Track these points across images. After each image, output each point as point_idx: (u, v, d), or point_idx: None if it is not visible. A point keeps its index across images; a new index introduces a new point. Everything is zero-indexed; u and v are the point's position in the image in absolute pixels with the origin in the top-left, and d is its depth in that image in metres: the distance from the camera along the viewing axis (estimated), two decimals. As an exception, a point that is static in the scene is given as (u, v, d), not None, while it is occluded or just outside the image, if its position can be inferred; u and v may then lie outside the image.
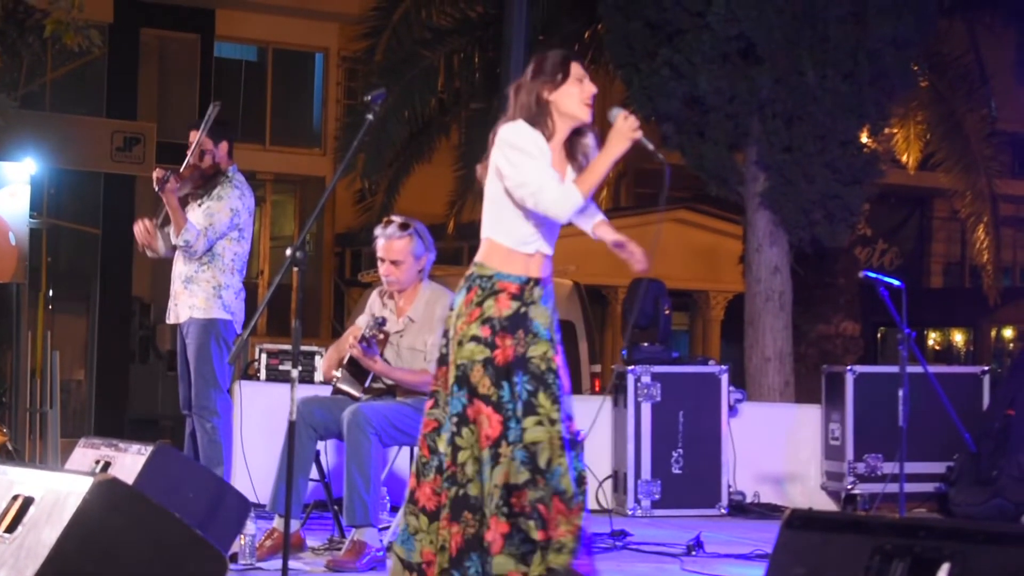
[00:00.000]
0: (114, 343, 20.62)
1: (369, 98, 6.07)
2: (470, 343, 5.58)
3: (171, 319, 8.43)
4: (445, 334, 5.71)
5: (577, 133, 5.81)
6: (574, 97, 5.72)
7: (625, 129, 5.63)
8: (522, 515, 5.47)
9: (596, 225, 5.79)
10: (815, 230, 12.70)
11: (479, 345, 5.57)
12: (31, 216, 11.65)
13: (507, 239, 5.67)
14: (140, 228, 8.36)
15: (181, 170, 8.26)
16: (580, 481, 5.60)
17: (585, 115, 5.75)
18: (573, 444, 5.59)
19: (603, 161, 5.65)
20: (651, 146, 5.77)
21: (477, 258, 5.70)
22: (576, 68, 5.76)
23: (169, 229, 8.29)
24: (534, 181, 5.56)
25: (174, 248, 8.34)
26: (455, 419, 5.57)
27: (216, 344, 8.19)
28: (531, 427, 5.53)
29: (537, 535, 5.47)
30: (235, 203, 8.27)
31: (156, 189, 8.08)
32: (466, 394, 5.56)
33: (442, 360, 5.71)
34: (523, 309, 5.63)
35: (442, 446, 5.62)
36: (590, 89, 5.76)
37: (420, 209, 15.27)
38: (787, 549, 4.15)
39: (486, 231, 5.72)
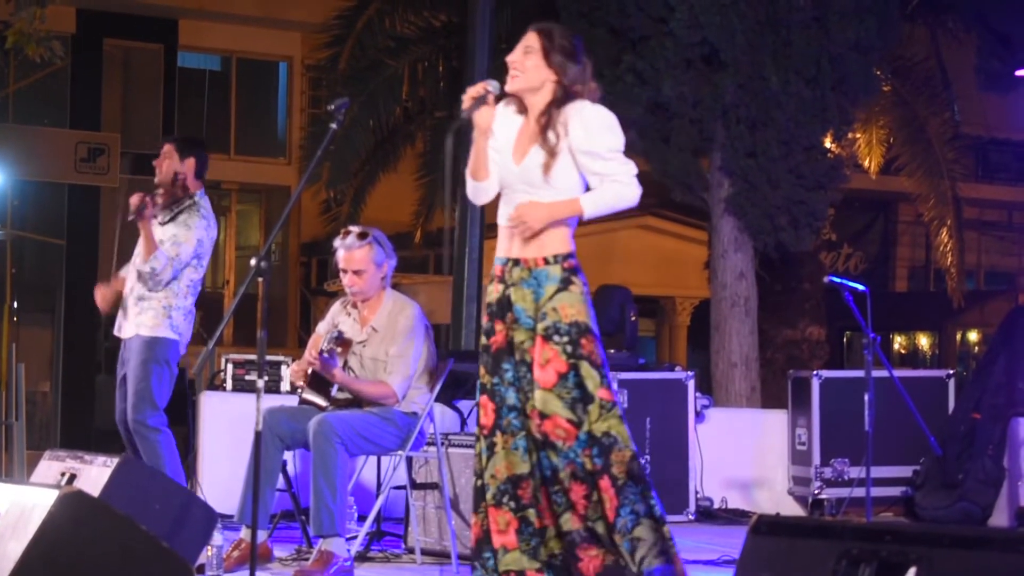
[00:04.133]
0: (80, 355, 20.52)
1: (333, 107, 6.04)
2: None
3: (117, 332, 8.34)
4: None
5: (557, 104, 5.78)
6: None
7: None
8: (529, 506, 5.49)
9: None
10: (780, 235, 12.74)
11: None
12: (-5, 228, 11.61)
13: None
14: (98, 296, 8.40)
15: (155, 196, 8.13)
16: (572, 477, 5.50)
17: (508, 86, 5.72)
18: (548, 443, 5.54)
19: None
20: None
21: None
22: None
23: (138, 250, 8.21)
24: None
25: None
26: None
27: (158, 363, 8.02)
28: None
29: (535, 523, 5.51)
30: (201, 233, 8.11)
31: (131, 217, 7.95)
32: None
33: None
34: (507, 292, 5.67)
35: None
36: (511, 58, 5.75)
37: (386, 218, 15.28)
38: (754, 555, 4.15)
39: None
